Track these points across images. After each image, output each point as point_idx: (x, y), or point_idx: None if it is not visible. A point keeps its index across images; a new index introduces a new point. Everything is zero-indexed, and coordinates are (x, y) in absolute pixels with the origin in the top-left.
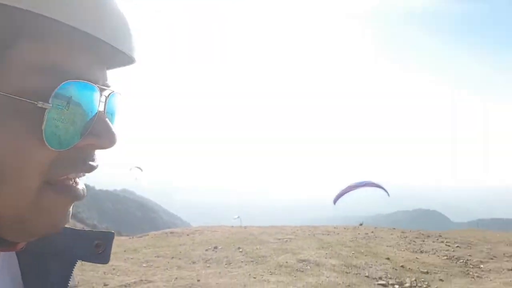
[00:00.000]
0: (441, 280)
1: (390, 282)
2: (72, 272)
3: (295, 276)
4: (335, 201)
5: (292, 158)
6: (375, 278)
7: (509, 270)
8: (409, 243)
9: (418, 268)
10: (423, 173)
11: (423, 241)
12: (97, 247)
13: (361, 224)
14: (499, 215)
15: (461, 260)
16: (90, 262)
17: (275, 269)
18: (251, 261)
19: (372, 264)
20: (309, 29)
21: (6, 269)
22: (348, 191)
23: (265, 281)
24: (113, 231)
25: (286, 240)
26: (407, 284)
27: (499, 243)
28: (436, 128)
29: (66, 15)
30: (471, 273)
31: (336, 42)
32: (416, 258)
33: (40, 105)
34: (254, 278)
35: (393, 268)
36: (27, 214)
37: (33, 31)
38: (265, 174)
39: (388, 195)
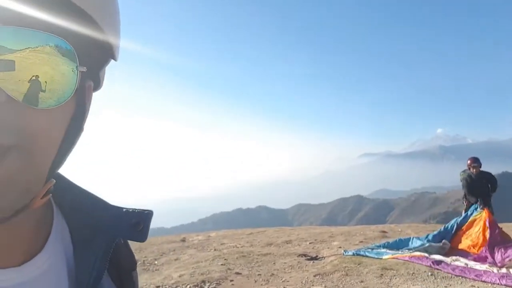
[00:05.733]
0: None
1: None
2: (112, 247)
3: None
4: None
5: None
6: None
7: (175, 260)
8: None
9: None
10: None
11: None
12: (136, 225)
13: None
14: None
15: (140, 262)
16: (128, 239)
17: None
18: None
19: None
20: None
21: (60, 234)
22: None
23: None
24: (152, 210)
25: None
26: None
27: (163, 244)
28: None
29: None
30: (150, 268)
31: None
32: None
33: None
34: None
35: None
36: None
37: None
38: None
39: None
